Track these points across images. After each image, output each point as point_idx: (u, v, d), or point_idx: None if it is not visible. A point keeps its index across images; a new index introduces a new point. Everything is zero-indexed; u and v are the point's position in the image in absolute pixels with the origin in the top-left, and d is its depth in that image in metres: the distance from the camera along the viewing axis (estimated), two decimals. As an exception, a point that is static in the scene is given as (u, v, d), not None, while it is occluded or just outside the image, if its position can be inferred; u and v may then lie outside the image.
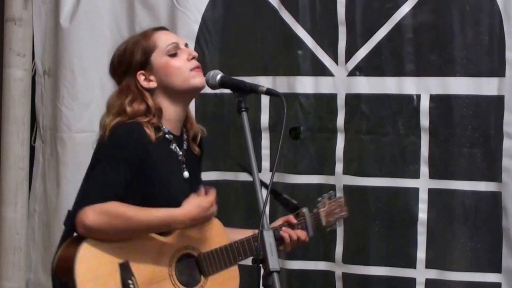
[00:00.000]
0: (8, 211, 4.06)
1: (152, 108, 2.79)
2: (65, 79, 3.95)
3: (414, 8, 3.56)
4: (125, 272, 2.65)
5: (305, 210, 3.10)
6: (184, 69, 2.82)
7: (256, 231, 2.89)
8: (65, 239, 2.73)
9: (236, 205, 3.81)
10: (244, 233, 2.97)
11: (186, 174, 2.87)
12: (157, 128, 2.79)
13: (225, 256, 2.86)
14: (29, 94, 4.08)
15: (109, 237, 2.65)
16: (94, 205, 2.61)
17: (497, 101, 3.47)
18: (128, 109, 2.77)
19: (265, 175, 3.68)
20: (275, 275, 2.36)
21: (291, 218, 3.05)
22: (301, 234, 3.03)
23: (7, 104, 4.05)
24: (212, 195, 2.79)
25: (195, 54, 2.87)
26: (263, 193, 2.53)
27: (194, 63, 2.85)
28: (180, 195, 2.80)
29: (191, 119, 2.96)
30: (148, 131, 2.75)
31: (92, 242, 2.64)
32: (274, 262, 2.37)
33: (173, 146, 2.85)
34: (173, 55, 2.84)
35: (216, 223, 2.92)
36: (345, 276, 3.67)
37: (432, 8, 3.56)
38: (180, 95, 2.84)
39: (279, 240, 2.97)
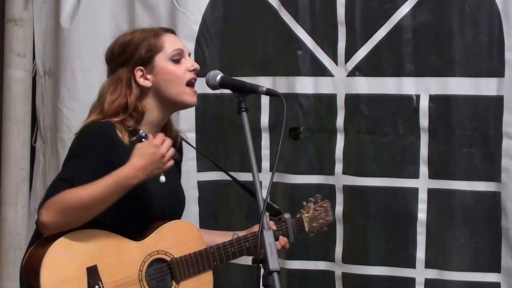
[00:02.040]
0: (8, 211, 4.07)
1: (130, 107, 2.77)
2: (65, 80, 3.95)
3: (414, 9, 3.56)
4: (92, 276, 2.62)
5: (287, 215, 3.08)
6: (182, 79, 2.82)
7: (238, 233, 2.95)
8: (36, 238, 2.71)
9: (235, 205, 3.81)
10: (223, 236, 2.96)
11: (162, 178, 2.84)
12: (133, 131, 2.77)
13: (199, 262, 2.83)
14: (29, 94, 4.09)
15: (70, 223, 2.60)
16: (46, 202, 2.59)
17: (496, 102, 3.48)
18: (106, 105, 2.76)
19: (265, 175, 3.68)
20: (275, 275, 2.36)
21: (271, 224, 3.02)
22: (282, 240, 3.03)
23: (8, 104, 4.06)
24: (158, 139, 2.67)
25: (197, 66, 2.87)
26: (263, 193, 2.52)
27: (192, 75, 2.85)
28: (155, 201, 2.78)
29: (171, 124, 2.94)
30: (120, 134, 2.72)
31: (61, 245, 2.60)
32: (274, 262, 2.37)
33: None
34: (176, 61, 2.84)
35: (191, 227, 2.90)
36: (345, 276, 3.67)
37: (431, 9, 3.56)
38: (170, 103, 2.84)
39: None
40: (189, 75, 2.84)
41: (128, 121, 2.77)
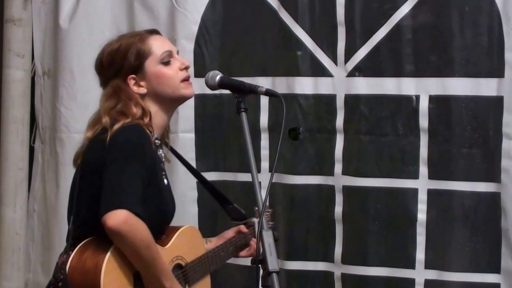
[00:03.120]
0: (7, 211, 4.07)
1: (147, 112, 2.76)
2: (64, 80, 3.95)
3: (413, 9, 3.56)
4: (138, 283, 2.63)
5: (254, 220, 3.09)
6: (175, 79, 2.80)
7: (209, 240, 2.98)
8: (71, 247, 2.68)
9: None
10: (215, 241, 3.02)
11: (165, 181, 2.83)
12: (151, 133, 2.76)
13: (203, 265, 2.87)
14: (28, 94, 4.08)
15: (122, 248, 2.58)
16: (131, 213, 2.53)
17: (496, 102, 3.47)
18: (133, 111, 2.73)
19: (265, 176, 3.68)
20: (274, 276, 2.36)
21: (243, 228, 3.07)
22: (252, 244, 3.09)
23: (7, 104, 4.06)
24: None
25: (187, 64, 2.85)
26: (263, 194, 2.52)
27: (185, 73, 2.83)
28: (169, 203, 2.80)
29: (168, 127, 2.94)
30: (149, 134, 2.73)
31: (113, 254, 2.59)
32: (273, 262, 2.37)
33: (160, 152, 2.83)
34: (166, 63, 2.82)
35: (196, 232, 2.93)
36: (344, 276, 3.67)
37: (431, 9, 3.56)
38: (169, 103, 2.82)
39: (241, 247, 3.06)
40: (182, 74, 2.82)
41: (148, 124, 2.76)
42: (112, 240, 2.56)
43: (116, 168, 2.60)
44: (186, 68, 2.83)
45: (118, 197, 2.55)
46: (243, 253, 3.10)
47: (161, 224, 2.78)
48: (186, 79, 2.82)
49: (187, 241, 2.84)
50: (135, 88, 2.78)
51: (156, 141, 2.80)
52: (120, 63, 2.78)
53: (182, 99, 2.85)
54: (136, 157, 2.63)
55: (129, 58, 2.78)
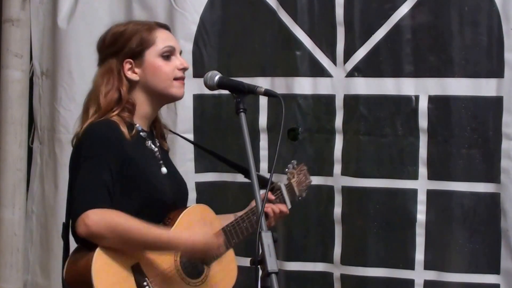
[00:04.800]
0: (6, 212, 4.06)
1: (123, 100, 2.76)
2: (62, 80, 3.95)
3: (413, 9, 3.56)
4: (138, 274, 2.63)
5: (280, 184, 3.07)
6: (170, 76, 2.80)
7: (237, 214, 2.94)
8: (67, 251, 2.72)
9: (234, 206, 3.79)
10: (227, 218, 2.96)
11: (164, 170, 2.84)
12: (130, 126, 2.76)
13: None
14: (27, 95, 4.08)
15: (108, 244, 2.60)
16: (96, 210, 2.58)
17: (496, 102, 3.47)
18: (101, 98, 2.75)
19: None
20: (273, 277, 2.35)
21: (269, 194, 3.01)
22: (282, 207, 3.02)
23: (5, 105, 4.05)
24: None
25: (186, 65, 2.85)
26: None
27: (181, 74, 2.83)
28: (167, 191, 2.79)
29: (159, 116, 2.93)
30: (123, 129, 2.72)
31: (103, 250, 2.60)
32: (272, 263, 2.36)
33: (148, 143, 2.83)
34: (166, 57, 2.82)
35: (207, 209, 2.91)
36: (344, 277, 3.67)
37: (430, 9, 3.55)
38: (157, 97, 2.82)
39: (266, 214, 2.97)
40: (177, 73, 2.82)
41: (123, 114, 2.76)
42: (98, 244, 2.59)
43: (82, 170, 2.66)
44: (184, 69, 2.83)
45: (82, 201, 2.60)
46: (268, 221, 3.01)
47: (160, 211, 2.77)
48: (180, 78, 2.82)
49: (196, 219, 2.82)
50: (128, 73, 2.79)
51: (141, 133, 2.79)
52: (121, 45, 2.80)
53: (171, 97, 2.85)
54: (101, 153, 2.66)
55: (132, 42, 2.79)
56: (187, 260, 2.76)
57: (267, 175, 3.67)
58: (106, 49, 2.83)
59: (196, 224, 2.81)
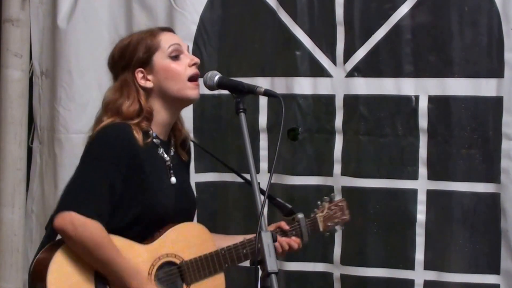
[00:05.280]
0: (5, 212, 4.06)
1: (144, 110, 2.77)
2: (62, 80, 3.94)
3: (413, 9, 3.55)
4: (100, 280, 2.63)
5: (300, 215, 3.04)
6: (183, 76, 2.80)
7: (247, 237, 2.90)
8: (44, 244, 2.73)
9: (234, 207, 3.80)
10: (234, 239, 2.93)
11: (173, 180, 2.84)
12: (146, 133, 2.76)
13: (209, 264, 2.82)
14: (26, 95, 4.07)
15: (73, 249, 2.62)
16: (81, 215, 2.59)
17: (496, 102, 3.47)
18: (124, 109, 2.75)
19: (263, 177, 3.67)
20: (273, 277, 2.35)
21: (283, 224, 2.99)
22: (293, 242, 2.98)
23: (5, 105, 4.05)
24: None
25: (197, 60, 2.85)
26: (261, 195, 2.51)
27: (194, 70, 2.83)
28: (167, 202, 2.79)
29: (180, 124, 2.94)
30: (137, 134, 2.72)
31: (69, 249, 2.62)
32: (272, 263, 2.36)
33: (160, 151, 2.83)
34: (175, 57, 2.82)
35: (201, 230, 2.89)
36: (343, 277, 3.67)
37: (430, 9, 3.55)
38: (174, 101, 2.83)
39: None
40: (190, 71, 2.82)
41: (142, 123, 2.77)
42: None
43: (80, 169, 2.68)
44: (195, 64, 2.83)
45: (70, 199, 2.62)
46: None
47: (157, 220, 2.77)
48: (194, 77, 2.82)
49: (183, 238, 2.80)
50: (142, 82, 2.80)
51: (155, 140, 2.79)
52: (129, 56, 2.81)
53: (187, 100, 2.85)
54: (107, 157, 2.67)
55: (139, 51, 2.80)
56: (165, 276, 2.75)
57: (267, 175, 3.68)
58: (116, 64, 2.84)
59: (181, 244, 2.79)
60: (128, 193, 2.68)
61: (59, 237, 2.70)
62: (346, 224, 3.22)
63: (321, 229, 3.11)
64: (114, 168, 2.66)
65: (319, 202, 3.16)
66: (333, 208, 3.15)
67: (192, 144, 3.11)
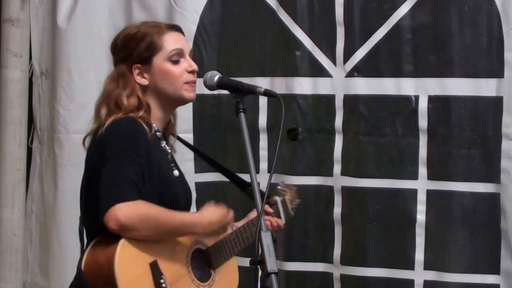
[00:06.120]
0: (5, 212, 4.06)
1: (143, 104, 2.77)
2: (62, 80, 3.94)
3: (413, 9, 3.55)
4: (156, 271, 2.65)
5: (276, 198, 3.09)
6: (179, 80, 2.80)
7: (235, 226, 2.94)
8: (83, 244, 2.74)
9: (233, 207, 3.78)
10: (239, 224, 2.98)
11: (176, 172, 2.85)
12: (148, 125, 2.76)
13: (226, 249, 2.87)
14: (26, 95, 4.07)
15: (139, 236, 2.62)
16: (125, 203, 2.57)
17: (496, 102, 3.47)
18: (125, 102, 2.74)
19: (263, 177, 3.67)
20: (273, 277, 2.35)
21: (267, 207, 3.03)
22: (279, 221, 3.06)
23: (4, 105, 4.05)
24: (225, 209, 2.83)
25: (195, 68, 2.83)
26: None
27: (191, 77, 2.82)
28: (180, 193, 2.81)
29: (173, 119, 2.93)
30: (145, 126, 2.73)
31: (125, 244, 2.61)
32: (272, 263, 2.36)
33: (163, 144, 2.84)
34: (175, 62, 2.81)
35: None
36: (343, 277, 3.67)
37: (430, 9, 3.55)
38: (168, 101, 2.82)
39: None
40: (187, 77, 2.81)
41: (144, 117, 2.77)
42: (127, 236, 2.60)
43: (109, 165, 2.64)
44: (193, 71, 2.82)
45: (112, 195, 2.59)
46: None
47: None
48: (190, 82, 2.81)
49: None
50: (137, 78, 2.79)
51: (158, 133, 2.80)
52: (130, 50, 2.80)
53: (182, 100, 2.84)
54: (129, 148, 2.66)
55: (140, 47, 2.79)
56: (197, 263, 2.78)
57: (267, 175, 3.68)
58: (118, 53, 2.83)
59: None
60: (149, 184, 2.69)
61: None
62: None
63: (289, 211, 3.15)
64: (139, 158, 2.66)
65: (279, 187, 3.16)
66: (291, 191, 3.18)
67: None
